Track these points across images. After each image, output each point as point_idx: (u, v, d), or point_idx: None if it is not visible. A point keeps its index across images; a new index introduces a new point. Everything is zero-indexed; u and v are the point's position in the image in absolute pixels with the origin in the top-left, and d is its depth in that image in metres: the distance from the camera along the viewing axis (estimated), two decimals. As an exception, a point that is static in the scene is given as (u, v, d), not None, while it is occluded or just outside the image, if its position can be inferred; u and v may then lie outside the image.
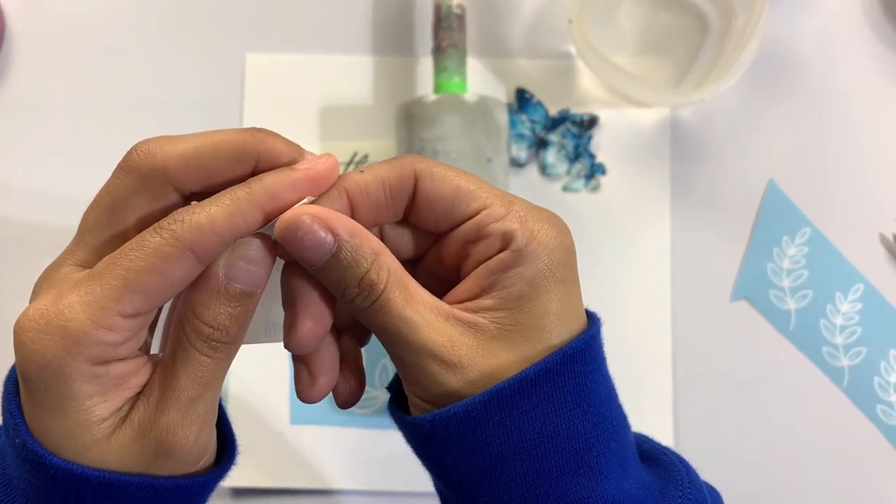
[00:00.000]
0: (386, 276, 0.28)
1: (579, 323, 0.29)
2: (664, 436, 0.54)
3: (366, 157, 0.57)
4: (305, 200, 0.29)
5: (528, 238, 0.28)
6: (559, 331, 0.29)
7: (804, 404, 0.55)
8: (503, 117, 0.53)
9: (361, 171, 0.29)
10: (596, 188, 0.57)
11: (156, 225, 0.27)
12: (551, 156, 0.57)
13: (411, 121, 0.51)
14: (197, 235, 0.26)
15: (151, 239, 0.26)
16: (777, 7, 0.57)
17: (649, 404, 0.55)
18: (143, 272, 0.26)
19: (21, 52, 0.58)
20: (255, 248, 0.28)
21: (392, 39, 0.58)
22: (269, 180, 0.28)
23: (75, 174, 0.56)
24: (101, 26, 0.58)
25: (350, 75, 0.58)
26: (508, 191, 0.57)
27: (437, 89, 0.53)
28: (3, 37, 0.58)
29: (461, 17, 0.54)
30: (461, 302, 0.29)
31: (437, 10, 0.54)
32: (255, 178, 0.28)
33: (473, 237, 0.29)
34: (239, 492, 0.55)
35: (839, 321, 0.55)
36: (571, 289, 0.29)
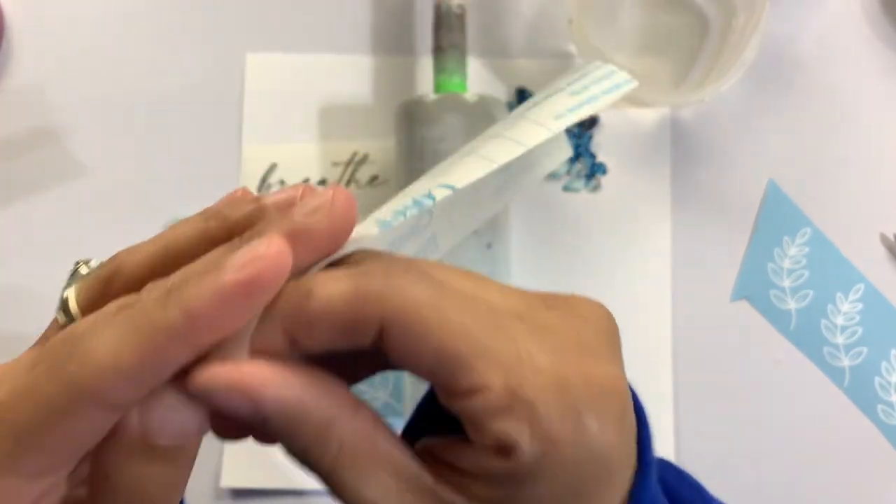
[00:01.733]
0: (335, 451, 0.21)
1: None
2: (665, 436, 0.54)
3: (366, 156, 0.57)
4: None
5: (542, 449, 0.20)
6: None
7: (805, 404, 0.55)
8: (503, 117, 0.53)
9: (310, 291, 0.21)
10: (596, 188, 0.57)
11: (45, 355, 0.20)
12: (551, 156, 0.57)
13: (411, 120, 0.51)
14: (99, 380, 0.19)
15: (43, 385, 0.20)
16: (778, 6, 0.57)
17: (650, 404, 0.54)
18: (36, 427, 0.20)
19: (21, 52, 0.58)
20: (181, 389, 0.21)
21: (392, 39, 0.58)
22: (189, 294, 0.20)
23: (73, 174, 0.56)
24: (101, 26, 0.58)
25: (350, 75, 0.58)
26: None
27: (437, 89, 0.53)
28: (2, 36, 0.57)
29: (461, 17, 0.54)
30: (454, 451, 0.22)
31: (438, 9, 0.53)
32: (174, 285, 0.20)
33: (464, 419, 0.21)
34: (239, 492, 0.55)
35: (840, 321, 0.55)
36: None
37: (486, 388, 0.20)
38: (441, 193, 0.24)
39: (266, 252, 0.20)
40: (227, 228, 0.23)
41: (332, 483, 0.21)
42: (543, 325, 0.22)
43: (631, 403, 0.23)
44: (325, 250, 0.22)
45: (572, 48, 0.57)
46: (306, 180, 0.56)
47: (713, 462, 0.54)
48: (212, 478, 0.54)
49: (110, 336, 0.20)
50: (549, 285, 0.54)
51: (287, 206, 0.23)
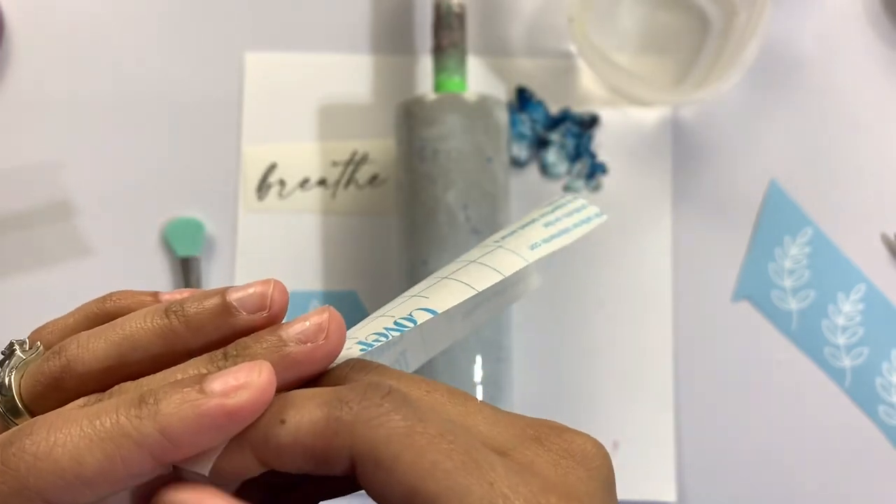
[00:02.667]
0: None
1: None
2: (665, 436, 0.54)
3: (365, 155, 0.57)
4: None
5: None
6: None
7: (806, 405, 0.55)
8: (503, 116, 0.53)
9: (283, 422, 0.20)
10: (597, 188, 0.57)
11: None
12: (552, 155, 0.57)
13: (411, 120, 0.51)
14: (55, 483, 0.18)
15: None
16: (779, 6, 0.57)
17: (650, 404, 0.54)
18: None
19: (21, 52, 0.58)
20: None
21: (392, 38, 0.58)
22: (167, 410, 0.19)
23: (74, 173, 0.56)
24: (101, 26, 0.58)
25: (350, 74, 0.58)
26: (508, 190, 0.56)
27: (436, 88, 0.52)
28: (2, 36, 0.57)
29: (461, 16, 0.53)
30: None
31: (437, 8, 0.53)
32: (149, 395, 0.19)
33: None
34: (238, 492, 0.54)
35: (841, 321, 0.55)
36: None
37: None
38: (422, 317, 0.24)
39: (257, 381, 0.20)
40: (192, 328, 0.22)
41: None
42: (528, 466, 0.20)
43: None
44: (310, 376, 0.22)
45: (573, 47, 0.57)
46: (306, 180, 0.56)
47: (713, 462, 0.54)
48: None
49: (74, 439, 0.19)
50: (550, 286, 0.54)
51: (257, 308, 0.22)
